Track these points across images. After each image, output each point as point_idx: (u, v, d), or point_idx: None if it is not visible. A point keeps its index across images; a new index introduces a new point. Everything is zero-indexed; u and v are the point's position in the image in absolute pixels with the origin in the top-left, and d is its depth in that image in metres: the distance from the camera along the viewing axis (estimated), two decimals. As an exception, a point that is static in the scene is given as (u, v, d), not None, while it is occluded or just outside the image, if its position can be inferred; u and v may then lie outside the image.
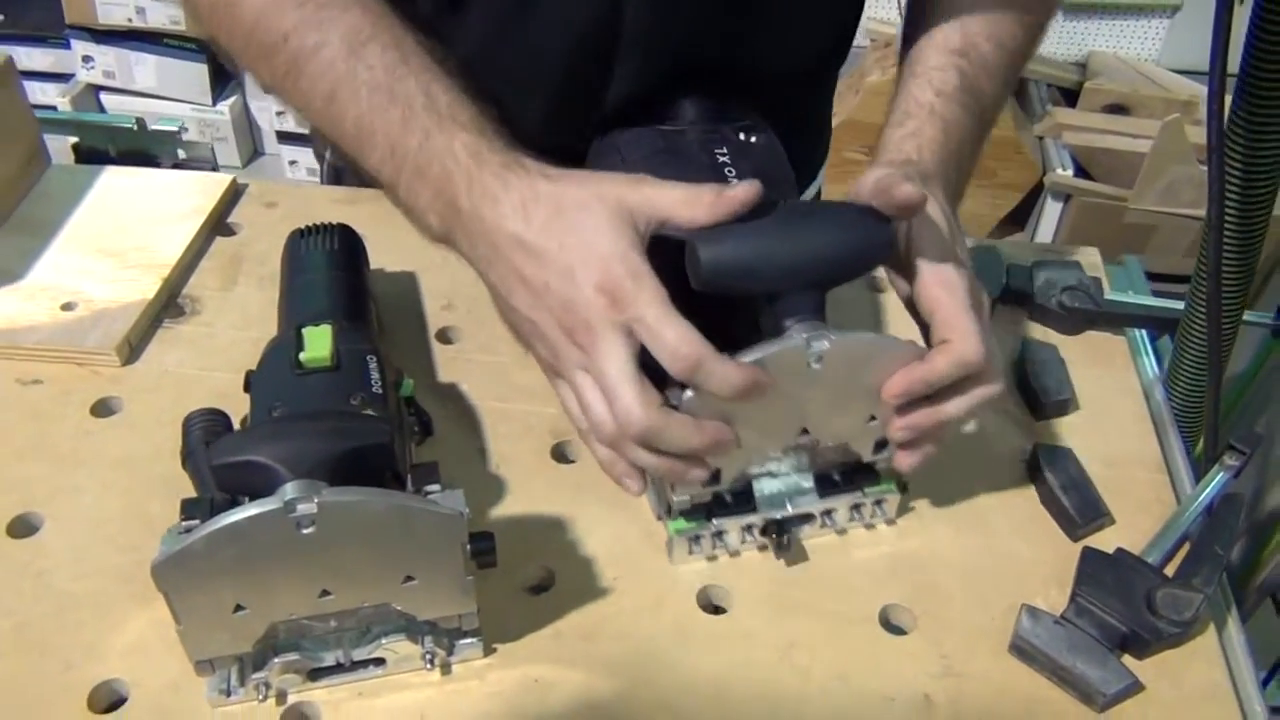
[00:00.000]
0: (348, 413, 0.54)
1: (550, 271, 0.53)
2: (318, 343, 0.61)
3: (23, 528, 0.63)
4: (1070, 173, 2.17)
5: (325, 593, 0.52)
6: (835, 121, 2.22)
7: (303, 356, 0.60)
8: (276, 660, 0.54)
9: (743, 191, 0.52)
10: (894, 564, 0.63)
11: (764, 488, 0.61)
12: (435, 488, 0.53)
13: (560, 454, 0.69)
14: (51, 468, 0.66)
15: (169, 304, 0.79)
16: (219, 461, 0.50)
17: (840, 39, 0.77)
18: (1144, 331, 0.81)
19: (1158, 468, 0.70)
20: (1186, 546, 0.63)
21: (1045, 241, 2.14)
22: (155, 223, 0.84)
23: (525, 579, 0.61)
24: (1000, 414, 0.72)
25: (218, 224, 0.86)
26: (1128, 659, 0.58)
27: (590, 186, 0.54)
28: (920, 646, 0.59)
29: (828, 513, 0.63)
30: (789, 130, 0.66)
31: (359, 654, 0.55)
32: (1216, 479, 0.66)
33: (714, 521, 0.60)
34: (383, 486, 0.51)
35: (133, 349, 0.75)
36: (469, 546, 0.53)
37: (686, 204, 0.53)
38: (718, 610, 0.61)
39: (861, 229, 0.55)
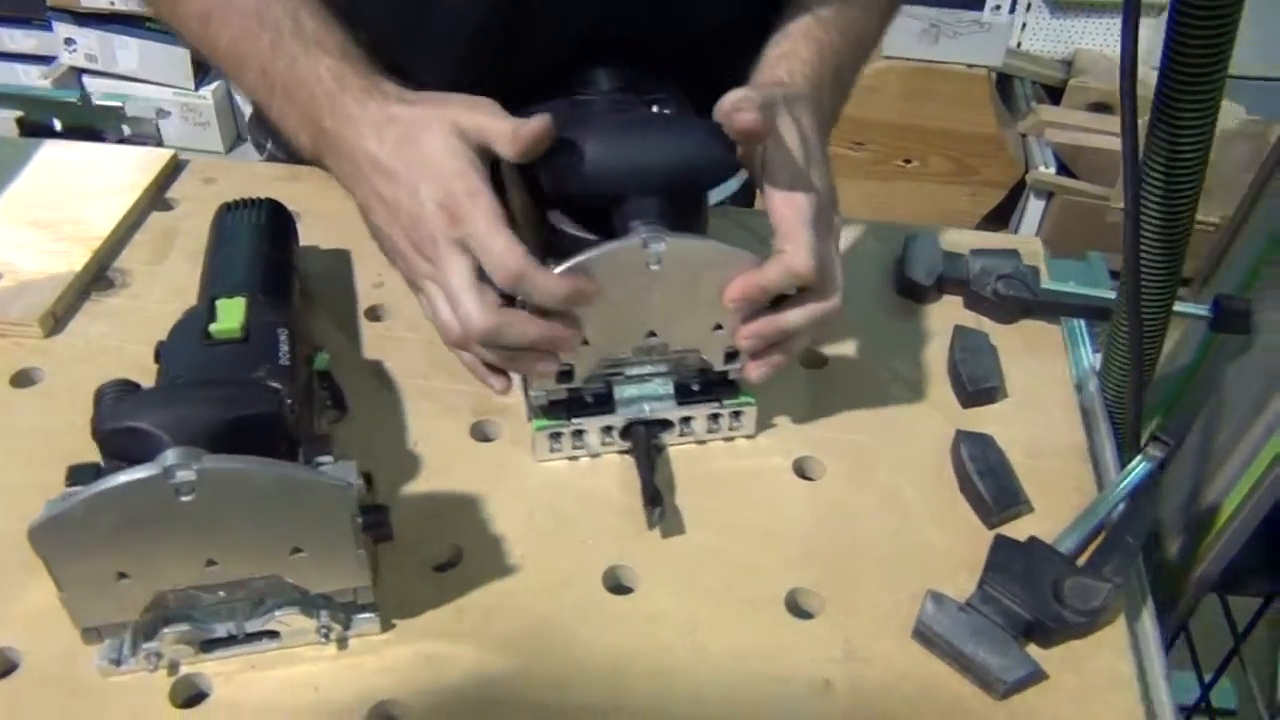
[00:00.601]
0: (240, 382, 0.54)
1: (400, 190, 0.57)
2: (229, 314, 0.61)
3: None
4: (1053, 170, 2.16)
5: (211, 563, 0.51)
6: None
7: (213, 328, 0.60)
8: (167, 631, 0.53)
9: (532, 127, 0.56)
10: (806, 548, 0.62)
11: (624, 392, 0.64)
12: (327, 459, 0.52)
13: (481, 433, 0.69)
14: (-31, 438, 0.66)
15: (98, 277, 0.78)
16: (105, 428, 0.50)
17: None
18: (1083, 322, 0.81)
19: (1082, 458, 0.69)
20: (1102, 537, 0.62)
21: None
22: (91, 196, 0.83)
23: (432, 556, 0.61)
24: (924, 400, 0.72)
25: (155, 198, 0.86)
26: (1033, 648, 0.58)
27: (436, 108, 0.58)
28: (825, 630, 0.58)
29: (686, 420, 0.66)
30: (712, 101, 0.66)
31: (252, 626, 0.55)
32: (1138, 469, 0.65)
33: (574, 421, 0.64)
34: (279, 457, 0.51)
35: (57, 321, 0.74)
36: (360, 519, 0.52)
37: (504, 137, 0.56)
38: (627, 591, 0.60)
39: (703, 144, 0.59)
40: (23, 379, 0.71)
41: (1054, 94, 2.33)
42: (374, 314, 0.77)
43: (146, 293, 0.77)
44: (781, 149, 0.60)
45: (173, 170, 0.88)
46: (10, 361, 0.71)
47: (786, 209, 0.59)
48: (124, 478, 0.47)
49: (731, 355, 0.63)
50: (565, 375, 0.62)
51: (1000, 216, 2.31)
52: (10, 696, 0.54)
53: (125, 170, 0.86)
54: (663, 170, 0.59)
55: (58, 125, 2.12)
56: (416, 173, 0.57)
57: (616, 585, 0.60)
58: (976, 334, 0.74)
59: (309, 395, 0.63)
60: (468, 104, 0.58)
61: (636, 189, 0.59)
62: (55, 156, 0.87)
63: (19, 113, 2.04)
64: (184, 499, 0.48)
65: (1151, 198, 0.62)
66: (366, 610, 0.56)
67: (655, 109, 0.65)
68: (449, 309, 0.58)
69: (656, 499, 0.61)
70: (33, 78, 2.35)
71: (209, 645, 0.55)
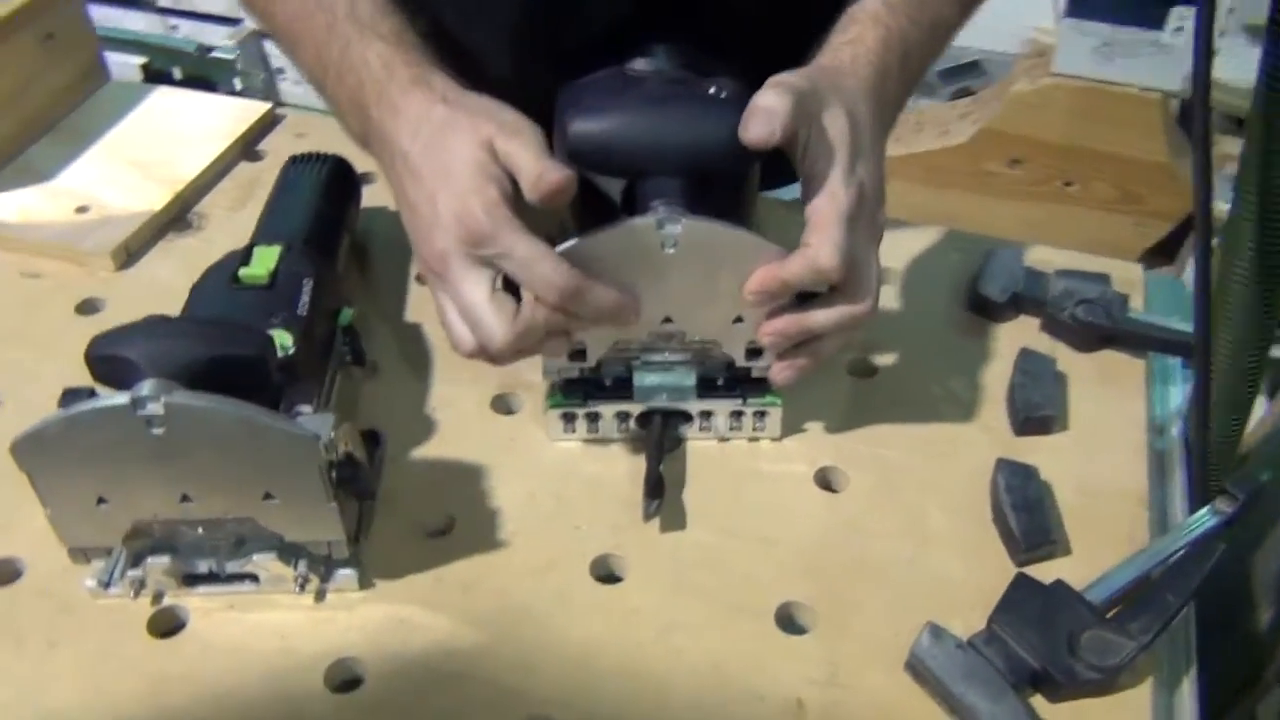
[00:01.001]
0: (228, 323, 0.55)
1: (421, 193, 0.55)
2: (261, 261, 0.63)
3: (-21, 405, 0.66)
4: (1228, 206, 2.00)
5: (186, 498, 0.52)
6: (974, 130, 2.11)
7: (242, 272, 0.62)
8: (151, 560, 0.55)
9: (555, 179, 0.53)
10: (810, 561, 0.59)
11: (644, 379, 0.62)
12: (306, 409, 0.53)
13: (503, 405, 0.68)
14: (25, 354, 0.69)
15: (178, 218, 0.81)
16: (94, 353, 0.51)
17: None
18: (1181, 361, 0.74)
19: (1141, 504, 0.63)
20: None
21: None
22: (186, 142, 0.86)
23: (426, 522, 0.60)
24: (973, 423, 0.67)
25: (246, 149, 0.88)
26: (1040, 701, 0.53)
27: (473, 117, 0.55)
28: (812, 650, 0.55)
29: (706, 415, 0.63)
30: None
31: (232, 567, 0.55)
32: (1201, 523, 0.59)
33: (589, 403, 0.62)
34: (259, 401, 0.51)
35: (129, 255, 0.78)
36: (335, 473, 0.52)
37: (528, 177, 0.53)
38: (615, 580, 0.58)
39: (726, 125, 0.55)
40: (88, 307, 0.74)
41: (1243, 125, 2.17)
42: (424, 279, 0.76)
43: (219, 237, 0.80)
44: (824, 139, 0.56)
45: (268, 123, 0.91)
46: (80, 289, 0.75)
47: (821, 201, 0.56)
48: (94, 404, 0.48)
49: (755, 351, 0.60)
50: (578, 355, 0.60)
51: (1167, 251, 2.16)
52: (9, 602, 0.57)
53: (222, 120, 0.89)
54: (680, 147, 0.56)
55: (177, 74, 2.22)
56: (437, 180, 0.54)
57: (604, 574, 0.59)
58: (1042, 358, 0.69)
59: (327, 347, 0.63)
60: (509, 126, 0.55)
61: (656, 166, 0.56)
62: (163, 102, 0.91)
63: (144, 59, 2.16)
64: (155, 431, 0.49)
65: (1244, 221, 0.56)
66: (347, 566, 0.56)
67: (712, 90, 0.63)
68: (462, 324, 0.55)
69: (656, 491, 0.60)
70: (220, 37, 2.48)
71: (192, 580, 0.56)
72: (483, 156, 0.54)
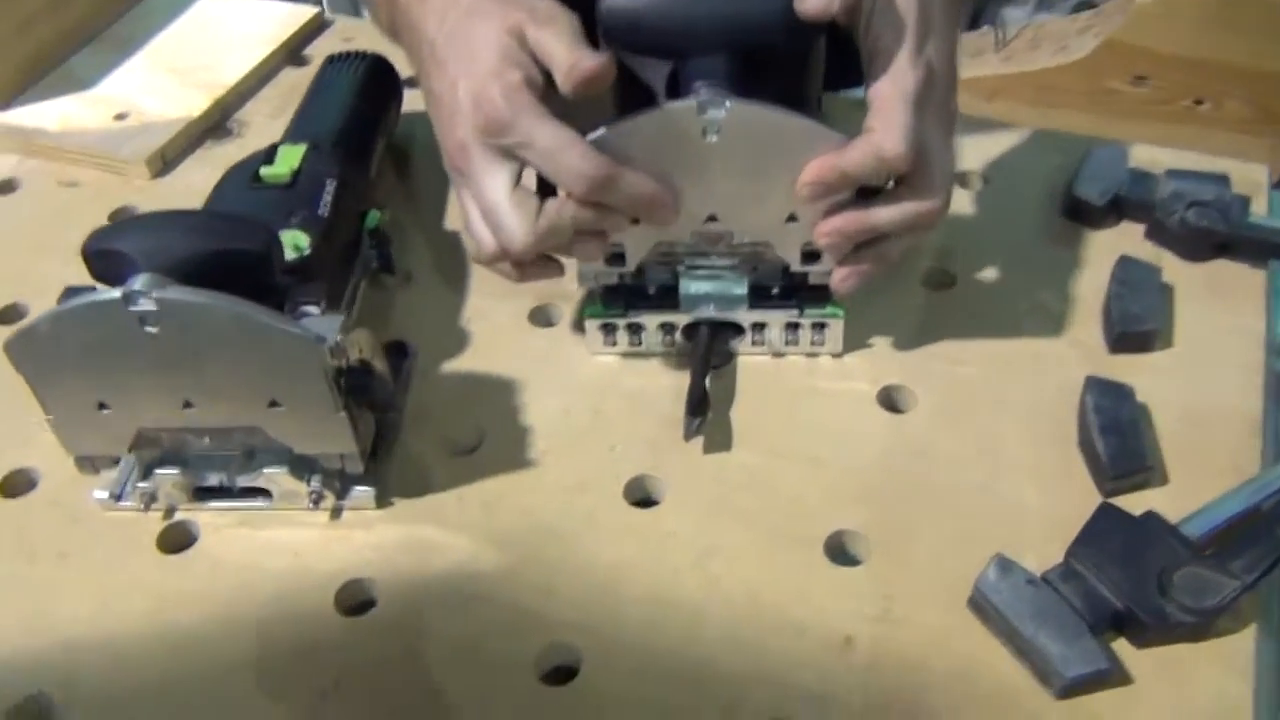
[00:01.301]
0: (230, 216, 0.52)
1: (444, 81, 0.51)
2: (285, 160, 0.61)
3: (12, 314, 0.66)
4: (1380, 124, 1.85)
5: (188, 404, 0.50)
6: (1094, 44, 1.98)
7: (263, 170, 0.60)
8: (160, 472, 0.53)
9: (589, 67, 0.48)
10: (867, 486, 0.54)
11: (690, 286, 0.58)
12: (313, 310, 0.50)
13: (543, 317, 0.65)
14: (56, 265, 0.68)
15: (218, 125, 0.79)
16: (91, 249, 0.49)
17: None
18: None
19: (1253, 433, 0.56)
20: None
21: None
22: (229, 48, 0.84)
23: (453, 438, 0.58)
24: (1063, 338, 0.61)
25: (291, 54, 0.86)
26: (1123, 646, 0.48)
27: (504, 4, 0.51)
28: (864, 583, 0.51)
29: (759, 327, 0.59)
30: None
31: (243, 481, 0.53)
32: (1322, 452, 0.53)
33: (631, 313, 0.58)
34: (265, 302, 0.48)
35: (166, 163, 0.76)
36: (343, 381, 0.49)
37: (561, 66, 0.49)
38: (651, 504, 0.55)
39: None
40: (122, 215, 0.72)
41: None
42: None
43: (259, 144, 0.75)
44: (889, 12, 0.51)
45: (315, 29, 0.88)
46: (115, 197, 0.74)
47: (886, 83, 0.51)
48: (85, 300, 0.46)
49: (812, 255, 0.56)
50: (616, 259, 0.56)
51: (1308, 175, 2.01)
52: (23, 511, 0.56)
53: (268, 25, 0.87)
54: (725, 21, 0.51)
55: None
56: (460, 66, 0.50)
57: (639, 498, 0.55)
58: (1144, 266, 0.62)
59: (351, 252, 0.61)
60: (541, 13, 0.51)
61: (698, 43, 0.51)
62: (210, 8, 0.89)
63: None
64: (149, 329, 0.46)
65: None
66: (363, 483, 0.54)
67: None
68: (483, 224, 0.52)
69: (700, 408, 0.56)
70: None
71: (203, 494, 0.54)
72: (509, 42, 0.50)
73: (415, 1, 0.53)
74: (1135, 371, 0.58)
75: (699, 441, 0.56)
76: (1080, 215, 0.67)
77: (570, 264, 0.56)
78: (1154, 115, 2.06)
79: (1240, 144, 2.03)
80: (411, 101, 0.76)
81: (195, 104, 0.78)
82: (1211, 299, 0.63)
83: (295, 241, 0.55)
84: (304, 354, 0.47)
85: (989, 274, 0.65)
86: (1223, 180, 0.66)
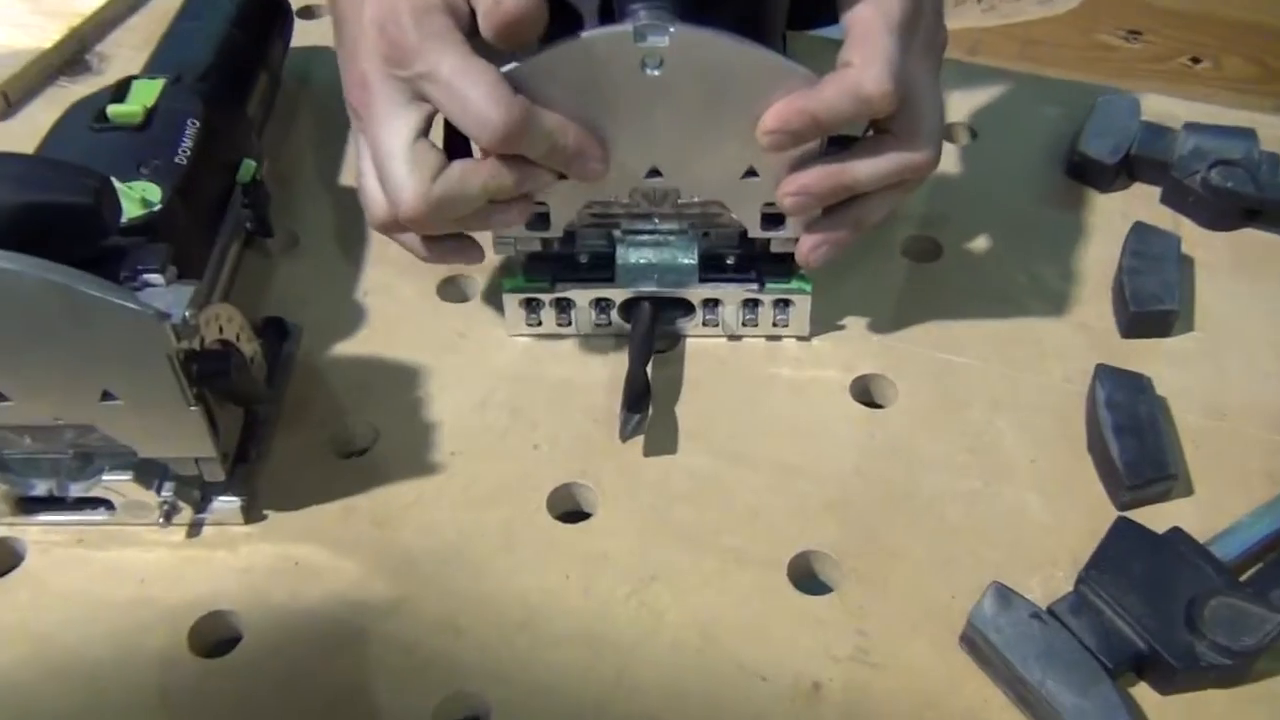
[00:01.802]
0: (58, 164, 0.45)
1: (351, 6, 0.46)
2: (138, 96, 0.56)
3: None
4: (1390, 86, 1.84)
5: (2, 397, 0.43)
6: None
7: (111, 109, 0.54)
8: (-24, 480, 0.46)
9: (513, 4, 0.43)
10: (839, 497, 0.50)
11: (629, 255, 0.54)
12: (156, 279, 0.43)
13: (454, 292, 0.60)
14: None
15: (75, 60, 0.73)
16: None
17: None
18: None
19: (1292, 431, 0.52)
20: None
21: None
22: (90, -32, 0.77)
23: (342, 438, 0.53)
24: (1067, 320, 0.57)
25: (165, -21, 0.78)
26: (1144, 691, 0.43)
27: None
28: (836, 614, 0.46)
29: (711, 304, 0.55)
30: None
31: (77, 489, 0.47)
32: (1373, 457, 0.48)
33: (559, 286, 0.54)
34: (99, 271, 0.42)
35: (10, 104, 0.70)
36: (196, 367, 0.43)
37: (483, 2, 0.44)
38: (581, 517, 0.50)
39: None
40: (-48, 165, 0.65)
41: None
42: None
43: None
44: None
45: (195, -51, 0.80)
46: (-56, 144, 0.66)
47: (865, 8, 0.46)
48: None
49: (775, 218, 0.51)
50: (539, 221, 0.51)
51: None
52: None
53: (139, -58, 0.79)
54: None
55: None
56: None
57: (567, 510, 0.51)
58: (1162, 236, 0.58)
59: (218, 209, 0.55)
60: None
61: None
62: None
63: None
64: (-53, 303, 0.40)
65: None
66: (228, 493, 0.49)
67: None
68: (374, 179, 0.47)
69: (640, 402, 0.51)
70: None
71: (30, 506, 0.48)
72: None
73: None
74: (1152, 359, 0.55)
75: (638, 442, 0.51)
76: (1086, 175, 0.64)
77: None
78: (1150, 74, 2.03)
79: (1241, 104, 2.02)
80: (304, 35, 0.70)
81: (47, 34, 0.72)
82: (1238, 273, 0.59)
83: (144, 194, 0.49)
84: (142, 333, 0.41)
85: (980, 244, 0.61)
86: (1249, 135, 0.62)
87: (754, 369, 0.55)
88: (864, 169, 0.48)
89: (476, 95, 0.43)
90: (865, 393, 0.55)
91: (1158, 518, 0.48)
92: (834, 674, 0.44)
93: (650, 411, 0.51)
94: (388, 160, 0.45)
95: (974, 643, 0.44)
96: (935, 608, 0.45)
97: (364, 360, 0.55)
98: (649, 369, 0.52)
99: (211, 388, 0.44)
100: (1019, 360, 0.55)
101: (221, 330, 0.46)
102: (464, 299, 0.59)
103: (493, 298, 0.57)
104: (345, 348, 0.56)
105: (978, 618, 0.43)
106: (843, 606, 0.46)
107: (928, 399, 0.53)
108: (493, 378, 0.54)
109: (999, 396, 0.53)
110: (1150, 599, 0.44)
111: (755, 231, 0.52)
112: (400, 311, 0.57)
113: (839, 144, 0.48)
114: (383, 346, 0.56)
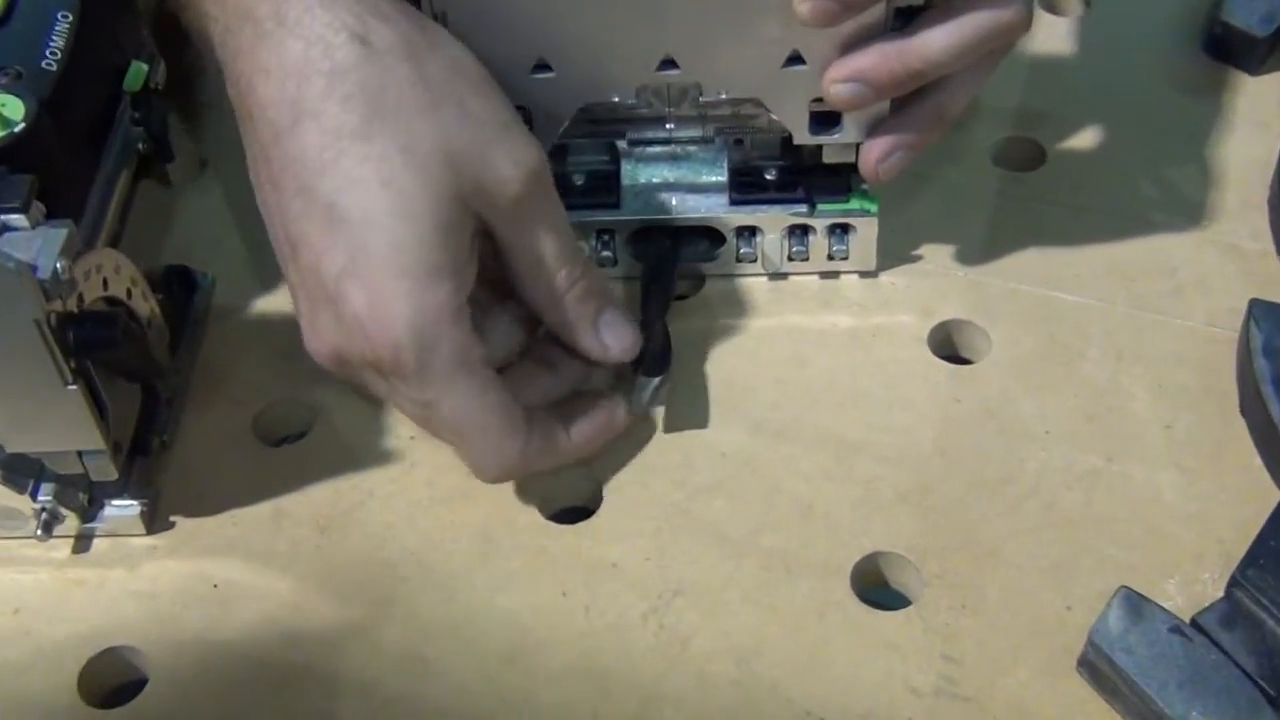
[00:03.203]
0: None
1: (309, 248, 0.45)
2: None
3: None
4: None
5: None
6: None
7: None
8: None
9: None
10: (918, 483, 0.51)
11: (638, 174, 0.55)
12: (18, 219, 0.43)
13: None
14: None
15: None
16: None
17: None
18: None
19: None
20: None
21: None
22: None
23: (270, 420, 0.55)
24: (1212, 244, 0.58)
25: None
26: (1318, 724, 0.45)
27: (428, 117, 0.44)
28: (913, 635, 0.47)
29: (747, 233, 0.56)
30: None
31: (-71, 497, 0.49)
32: None
33: None
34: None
35: None
36: (73, 334, 0.44)
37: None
38: (580, 515, 0.51)
39: None
40: None
41: None
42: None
43: None
44: None
45: None
46: None
47: None
48: None
49: (827, 118, 0.52)
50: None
51: None
52: None
53: None
54: None
55: None
56: (328, 214, 0.44)
57: (565, 507, 0.53)
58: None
59: (100, 128, 0.55)
60: (488, 124, 0.46)
61: None
62: None
63: None
64: None
65: None
66: (123, 495, 0.51)
67: None
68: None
69: (656, 364, 0.52)
70: None
71: None
72: (437, 175, 0.44)
73: (257, 53, 0.45)
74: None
75: (655, 416, 0.54)
76: (1231, 53, 0.65)
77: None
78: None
79: None
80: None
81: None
82: None
83: (1, 110, 0.48)
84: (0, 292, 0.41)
85: (1094, 146, 0.63)
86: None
87: (803, 317, 0.56)
88: (937, 40, 0.48)
89: (486, 441, 0.47)
90: (949, 344, 0.56)
91: (1338, 503, 0.49)
92: (915, 712, 0.45)
93: (671, 375, 0.53)
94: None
95: (1096, 667, 0.45)
96: (1044, 623, 0.47)
97: (295, 319, 0.55)
98: (668, 320, 0.54)
99: (95, 360, 0.45)
100: (1148, 297, 0.57)
101: (107, 285, 0.46)
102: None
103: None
104: (271, 303, 0.58)
105: (1101, 635, 0.44)
106: (923, 624, 0.47)
107: (1030, 350, 0.55)
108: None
109: (1123, 346, 0.55)
110: (1327, 606, 0.45)
111: (802, 137, 0.53)
112: (340, 254, 0.58)
113: (904, 15, 0.48)
114: (319, 302, 0.56)
